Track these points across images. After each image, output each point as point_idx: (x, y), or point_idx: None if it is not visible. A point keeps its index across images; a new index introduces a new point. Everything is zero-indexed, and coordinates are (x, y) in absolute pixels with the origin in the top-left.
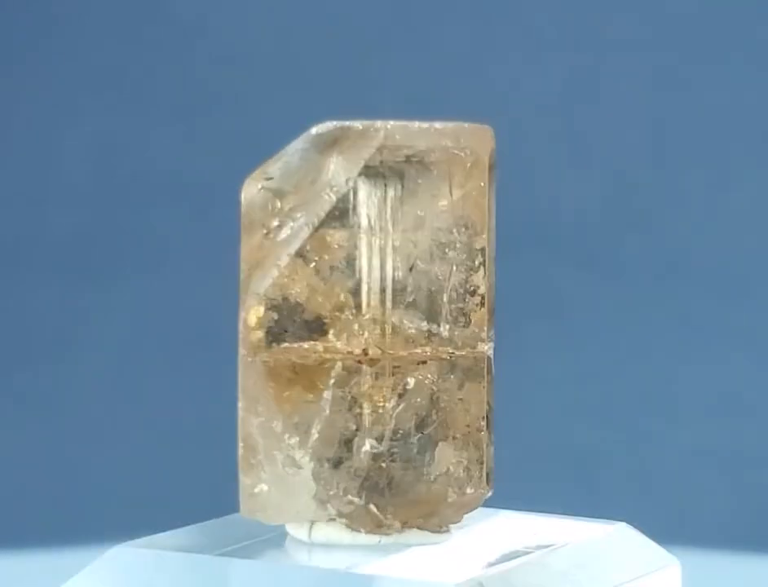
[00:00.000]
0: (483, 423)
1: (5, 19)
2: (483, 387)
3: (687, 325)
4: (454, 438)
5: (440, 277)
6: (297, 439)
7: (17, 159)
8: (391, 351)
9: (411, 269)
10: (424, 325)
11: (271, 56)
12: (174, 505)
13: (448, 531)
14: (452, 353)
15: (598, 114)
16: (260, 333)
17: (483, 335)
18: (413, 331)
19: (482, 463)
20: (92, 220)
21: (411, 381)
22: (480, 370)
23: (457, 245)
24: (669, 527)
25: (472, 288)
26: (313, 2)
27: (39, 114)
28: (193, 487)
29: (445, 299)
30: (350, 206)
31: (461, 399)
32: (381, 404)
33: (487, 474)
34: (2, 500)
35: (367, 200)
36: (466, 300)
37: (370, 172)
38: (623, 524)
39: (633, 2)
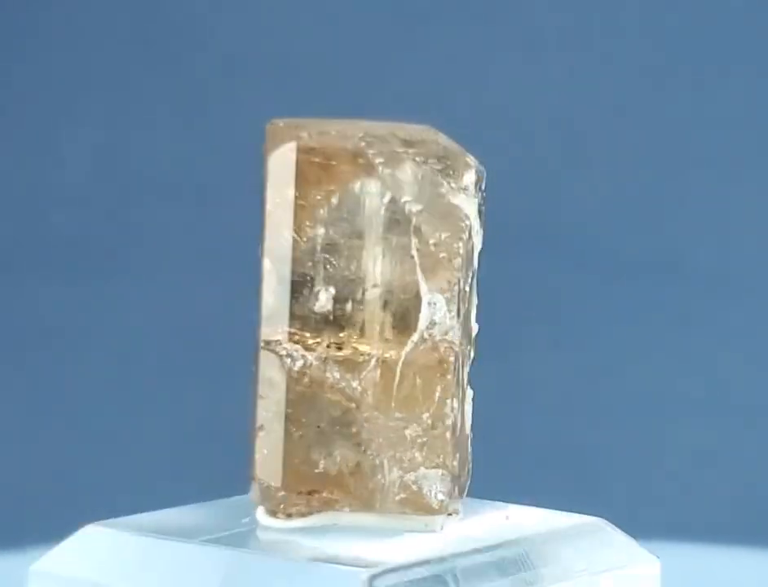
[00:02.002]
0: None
1: (4, 18)
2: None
3: (687, 325)
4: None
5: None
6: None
7: (17, 159)
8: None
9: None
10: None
11: (271, 56)
12: (173, 504)
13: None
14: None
15: (597, 114)
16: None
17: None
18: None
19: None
20: (92, 220)
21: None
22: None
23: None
24: (669, 527)
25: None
26: (313, 2)
27: (39, 114)
28: (193, 487)
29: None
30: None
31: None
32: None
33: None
34: (1, 499)
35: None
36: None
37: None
38: (600, 519)
39: (634, 2)
